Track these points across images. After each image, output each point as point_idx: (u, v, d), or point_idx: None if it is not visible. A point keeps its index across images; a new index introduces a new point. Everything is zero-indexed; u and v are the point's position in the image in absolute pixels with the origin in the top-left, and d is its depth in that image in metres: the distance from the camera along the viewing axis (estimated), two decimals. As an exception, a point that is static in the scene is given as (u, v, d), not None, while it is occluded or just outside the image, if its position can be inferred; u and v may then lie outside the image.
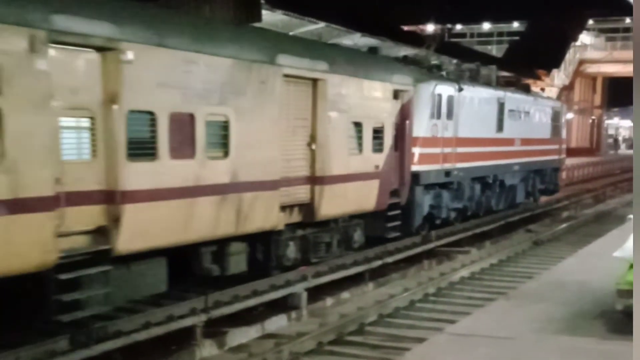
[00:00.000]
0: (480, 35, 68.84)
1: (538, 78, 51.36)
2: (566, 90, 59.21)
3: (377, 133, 15.64)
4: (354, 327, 11.65)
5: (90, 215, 9.38)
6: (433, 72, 19.98)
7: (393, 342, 11.02)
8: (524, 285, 12.09)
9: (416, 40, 30.71)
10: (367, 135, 15.28)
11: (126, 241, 9.65)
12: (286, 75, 12.69)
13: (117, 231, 9.52)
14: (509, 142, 23.69)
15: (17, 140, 8.26)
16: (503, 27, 67.21)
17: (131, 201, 9.67)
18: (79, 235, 9.29)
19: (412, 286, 14.67)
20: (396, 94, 16.33)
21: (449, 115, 19.48)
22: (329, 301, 13.37)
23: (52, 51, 8.74)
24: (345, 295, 13.88)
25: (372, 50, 18.93)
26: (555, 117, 28.83)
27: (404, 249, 17.20)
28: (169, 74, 10.29)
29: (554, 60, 56.76)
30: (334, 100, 13.93)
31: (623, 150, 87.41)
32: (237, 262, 12.31)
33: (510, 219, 23.78)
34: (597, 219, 27.05)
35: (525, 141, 25.09)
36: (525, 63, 48.16)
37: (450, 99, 19.53)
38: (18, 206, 8.29)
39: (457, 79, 20.57)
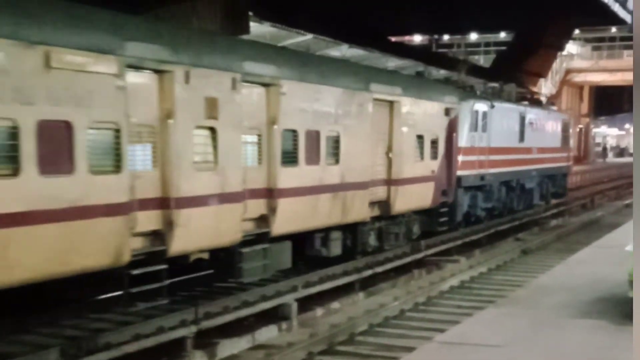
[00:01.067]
0: (468, 45, 69.20)
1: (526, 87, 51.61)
2: (553, 99, 59.54)
3: (434, 143, 18.94)
4: (344, 337, 11.67)
5: (258, 207, 12.61)
6: (470, 92, 23.35)
7: (383, 352, 11.05)
8: (513, 293, 12.14)
9: (404, 51, 30.88)
10: (427, 145, 18.59)
11: (279, 226, 12.94)
12: (374, 99, 15.99)
13: (273, 218, 12.83)
14: (529, 150, 27.13)
15: (225, 152, 11.51)
16: (490, 37, 67.62)
17: (283, 196, 12.98)
18: (250, 221, 12.53)
19: (402, 295, 14.72)
20: (447, 111, 19.64)
21: (484, 128, 22.86)
22: (320, 311, 13.39)
23: (243, 88, 11.96)
24: (335, 305, 13.90)
25: (419, 73, 23.13)
26: (565, 128, 32.53)
27: (394, 259, 17.24)
28: (306, 101, 13.71)
29: (540, 70, 57.09)
30: (405, 118, 17.27)
31: (610, 158, 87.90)
32: (336, 247, 15.37)
33: (499, 228, 23.89)
34: (585, 227, 27.19)
35: (541, 150, 28.55)
36: (513, 72, 48.41)
37: (485, 114, 22.88)
38: (224, 198, 11.52)
39: (488, 96, 24.10)
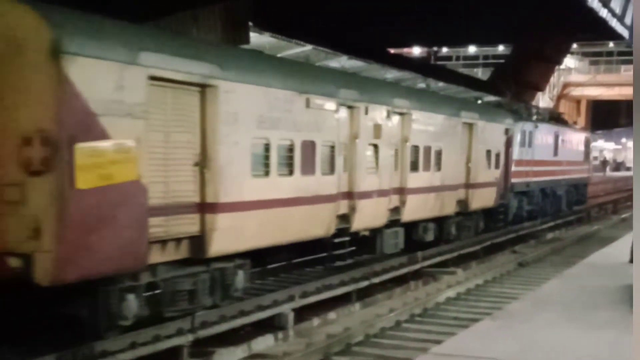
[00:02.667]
0: (466, 58, 69.43)
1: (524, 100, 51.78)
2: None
3: (497, 156, 23.75)
4: (340, 347, 11.67)
5: (394, 200, 17.23)
6: (519, 114, 27.90)
7: (379, 362, 11.05)
8: (509, 305, 12.17)
9: (402, 63, 31.00)
10: (493, 158, 23.36)
11: (406, 215, 17.73)
12: (462, 122, 20.95)
13: (403, 209, 17.58)
14: (560, 163, 32.31)
15: (382, 161, 16.45)
16: (489, 50, 67.85)
17: (410, 193, 17.72)
18: (390, 210, 17.14)
19: (398, 306, 14.73)
20: (506, 131, 24.58)
21: (529, 144, 28.17)
22: (316, 321, 13.39)
23: (394, 116, 16.94)
24: (332, 315, 13.91)
25: (496, 104, 29.71)
26: (586, 144, 37.75)
27: (390, 270, 17.27)
28: (424, 125, 18.61)
29: (538, 83, 57.26)
30: (480, 136, 22.15)
31: (608, 172, 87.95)
32: (431, 234, 19.88)
33: (496, 240, 23.93)
34: (581, 241, 27.24)
35: (569, 162, 33.72)
36: (511, 86, 48.56)
37: (530, 133, 28.30)
38: (380, 194, 16.41)
39: (532, 118, 29.16)
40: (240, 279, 12.21)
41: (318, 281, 14.90)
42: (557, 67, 61.61)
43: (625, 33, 44.92)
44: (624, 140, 44.93)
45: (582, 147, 36.51)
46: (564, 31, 55.58)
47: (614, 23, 41.51)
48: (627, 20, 43.75)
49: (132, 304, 10.03)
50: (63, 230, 8.68)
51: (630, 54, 58.09)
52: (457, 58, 69.34)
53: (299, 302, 13.38)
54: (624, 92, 61.93)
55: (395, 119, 17.01)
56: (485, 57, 68.94)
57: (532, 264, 21.31)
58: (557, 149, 31.64)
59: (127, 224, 9.49)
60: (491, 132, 23.07)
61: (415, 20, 54.19)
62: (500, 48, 65.64)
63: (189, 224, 10.89)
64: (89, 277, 9.20)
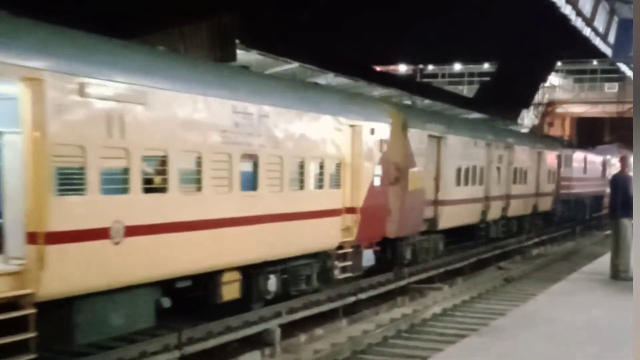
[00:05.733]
0: (452, 75, 69.77)
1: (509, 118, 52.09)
2: (535, 130, 60.06)
3: (552, 174, 33.81)
4: (327, 363, 11.68)
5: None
6: (562, 143, 38.10)
7: (366, 378, 11.07)
8: (495, 321, 12.22)
9: (389, 80, 31.19)
10: (551, 175, 33.43)
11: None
12: (537, 152, 31.22)
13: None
14: (587, 179, 40.95)
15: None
16: (474, 68, 68.22)
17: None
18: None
19: (385, 322, 14.77)
20: (558, 157, 34.67)
21: (569, 165, 36.82)
22: (303, 337, 13.40)
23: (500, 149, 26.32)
24: (319, 331, 13.92)
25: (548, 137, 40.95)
26: (603, 164, 45.59)
27: (377, 286, 17.30)
28: (520, 154, 28.11)
29: (523, 101, 57.59)
30: (546, 161, 32.58)
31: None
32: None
33: (482, 256, 24.02)
34: (566, 257, 27.38)
35: (593, 179, 42.27)
36: (496, 103, 48.81)
37: (570, 157, 37.18)
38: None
39: (570, 146, 40.04)
40: None
41: (305, 297, 14.91)
42: (541, 85, 62.01)
43: (608, 51, 45.42)
44: (608, 157, 45.43)
45: (600, 167, 45.36)
46: (548, 49, 56.05)
47: (597, 41, 41.95)
48: (610, 39, 44.20)
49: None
50: (401, 211, 18.42)
51: (613, 72, 58.71)
52: (443, 75, 69.62)
53: (286, 318, 13.39)
54: (608, 110, 62.38)
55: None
56: (471, 74, 69.28)
57: (518, 280, 21.40)
58: (586, 168, 40.72)
59: (419, 208, 19.74)
60: (551, 158, 33.28)
61: (401, 38, 54.47)
62: (486, 66, 65.97)
63: (429, 211, 20.92)
64: (406, 234, 19.35)
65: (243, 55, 20.81)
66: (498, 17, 47.53)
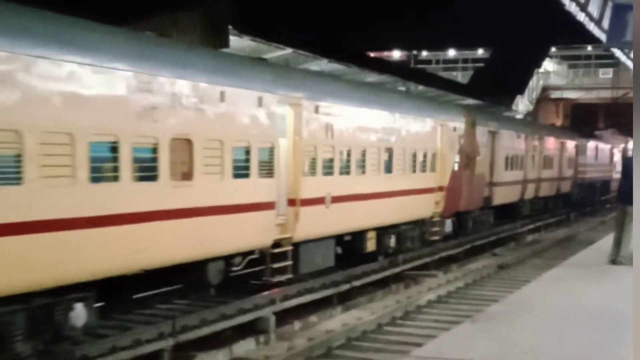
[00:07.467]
0: (446, 61, 69.62)
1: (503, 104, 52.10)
2: (530, 116, 60.07)
3: (571, 161, 38.21)
4: (321, 350, 11.68)
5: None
6: (577, 133, 41.56)
7: (361, 365, 11.06)
8: (489, 308, 12.21)
9: (382, 66, 31.10)
10: (570, 162, 37.89)
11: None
12: (560, 142, 36.87)
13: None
14: (600, 165, 45.57)
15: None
16: (468, 54, 68.08)
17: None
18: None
19: (379, 309, 14.76)
20: (576, 147, 39.07)
21: (584, 152, 40.94)
22: (297, 325, 13.39)
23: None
24: (313, 318, 13.91)
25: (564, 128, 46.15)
26: (611, 151, 49.82)
27: (371, 273, 17.29)
28: (549, 144, 34.54)
29: (517, 87, 57.54)
30: (567, 149, 36.20)
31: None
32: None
33: (476, 243, 24.03)
34: (560, 243, 27.42)
35: (604, 165, 47.11)
36: (490, 89, 48.79)
37: (585, 146, 41.19)
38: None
39: (584, 136, 42.74)
40: None
41: (299, 284, 14.89)
42: (536, 71, 61.94)
43: (602, 37, 45.37)
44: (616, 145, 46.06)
45: (608, 154, 49.36)
46: (542, 35, 55.95)
47: (591, 27, 41.86)
48: (605, 24, 44.18)
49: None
50: (469, 190, 23.39)
51: (607, 57, 58.61)
52: (437, 62, 69.47)
53: (281, 306, 13.38)
54: (602, 96, 62.32)
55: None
56: (465, 60, 69.18)
57: (512, 267, 21.42)
58: (597, 155, 44.62)
59: (481, 188, 24.13)
60: (571, 146, 37.94)
61: (395, 24, 54.31)
62: (480, 52, 65.88)
63: (486, 191, 25.47)
64: (472, 209, 24.12)
65: (236, 42, 20.69)
66: (492, 3, 47.46)
